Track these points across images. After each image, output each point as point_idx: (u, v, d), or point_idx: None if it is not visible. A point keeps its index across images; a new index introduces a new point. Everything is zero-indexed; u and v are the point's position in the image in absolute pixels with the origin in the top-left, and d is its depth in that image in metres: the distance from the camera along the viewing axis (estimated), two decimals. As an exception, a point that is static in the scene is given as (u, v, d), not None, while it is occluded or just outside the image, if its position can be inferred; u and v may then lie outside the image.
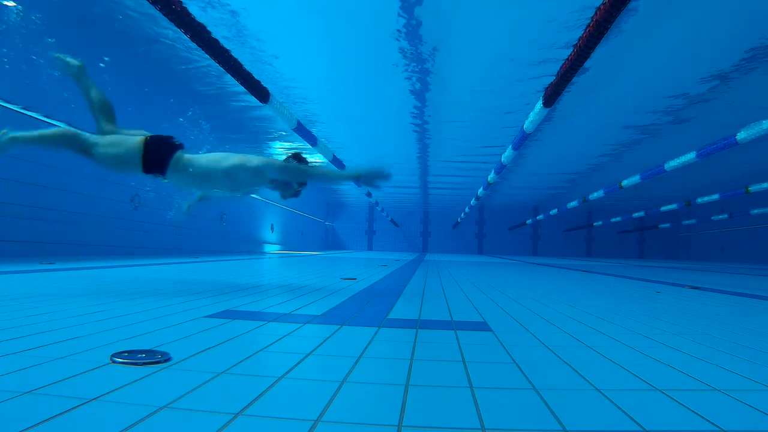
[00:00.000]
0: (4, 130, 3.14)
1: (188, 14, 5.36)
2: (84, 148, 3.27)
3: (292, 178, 3.45)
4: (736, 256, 22.68)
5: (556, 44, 7.12)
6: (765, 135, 7.52)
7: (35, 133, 3.22)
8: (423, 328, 2.28)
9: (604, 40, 5.35)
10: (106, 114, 3.41)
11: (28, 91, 6.71)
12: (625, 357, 1.78)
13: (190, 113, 9.98)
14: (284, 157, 3.63)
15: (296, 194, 3.71)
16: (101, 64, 6.09)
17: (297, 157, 3.58)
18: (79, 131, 3.32)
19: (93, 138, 3.29)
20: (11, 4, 5.82)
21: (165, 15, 5.21)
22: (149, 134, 3.38)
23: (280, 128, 11.68)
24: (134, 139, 3.30)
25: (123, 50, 7.69)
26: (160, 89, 9.39)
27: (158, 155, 3.32)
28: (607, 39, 6.08)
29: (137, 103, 8.98)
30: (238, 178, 3.39)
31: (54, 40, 3.32)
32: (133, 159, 3.29)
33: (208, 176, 3.38)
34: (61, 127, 3.33)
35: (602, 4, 4.70)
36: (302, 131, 9.98)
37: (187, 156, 3.39)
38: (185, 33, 5.62)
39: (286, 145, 13.46)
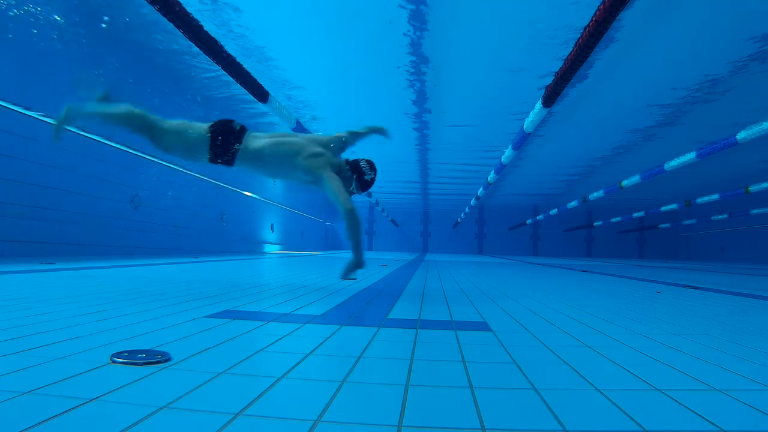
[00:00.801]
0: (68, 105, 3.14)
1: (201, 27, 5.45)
2: (149, 131, 3.27)
3: (336, 202, 3.47)
4: (736, 256, 22.68)
5: (557, 43, 7.12)
6: (765, 135, 7.52)
7: (102, 110, 3.22)
8: (423, 328, 2.28)
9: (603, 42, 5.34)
10: (144, 124, 3.35)
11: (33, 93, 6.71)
12: (625, 357, 1.78)
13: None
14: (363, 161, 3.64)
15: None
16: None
17: (370, 164, 3.62)
18: (144, 113, 3.28)
19: (159, 122, 3.28)
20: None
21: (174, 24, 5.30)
22: (211, 123, 3.36)
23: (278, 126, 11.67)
24: (199, 129, 3.30)
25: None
26: (163, 90, 9.39)
27: (225, 145, 3.32)
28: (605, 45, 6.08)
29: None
30: (299, 177, 3.50)
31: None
32: (200, 150, 3.31)
33: (272, 168, 3.47)
34: (127, 107, 3.28)
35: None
36: (301, 131, 9.99)
37: (255, 145, 3.38)
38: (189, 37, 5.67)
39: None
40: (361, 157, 3.68)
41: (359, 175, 3.57)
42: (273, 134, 3.51)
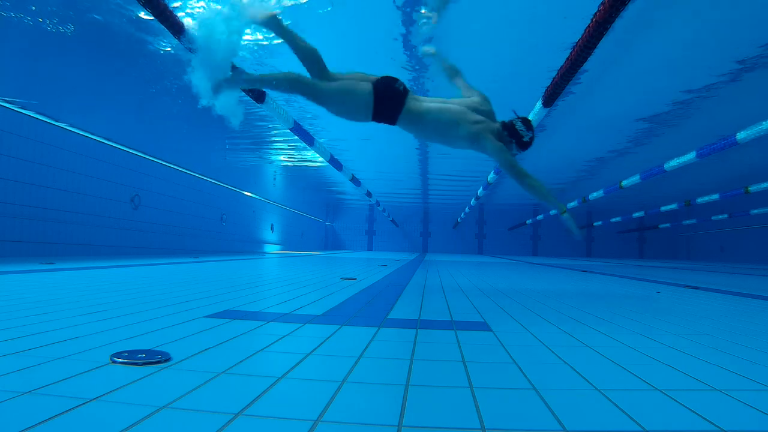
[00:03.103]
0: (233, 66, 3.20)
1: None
2: (311, 94, 3.30)
3: (508, 170, 3.47)
4: (736, 256, 22.67)
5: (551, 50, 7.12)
6: (765, 135, 7.51)
7: (259, 75, 3.37)
8: (423, 328, 2.28)
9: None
10: (313, 62, 3.37)
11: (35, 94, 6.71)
12: (625, 357, 1.78)
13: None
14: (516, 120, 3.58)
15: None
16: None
17: (526, 123, 3.55)
18: (302, 76, 3.32)
19: (320, 85, 3.28)
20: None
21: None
22: (376, 80, 3.35)
23: (279, 127, 11.65)
24: (363, 90, 3.29)
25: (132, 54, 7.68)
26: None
27: (389, 107, 3.33)
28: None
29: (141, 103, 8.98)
30: (461, 145, 3.53)
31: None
32: (362, 111, 3.33)
33: (434, 134, 3.50)
34: (285, 72, 3.34)
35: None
36: (299, 131, 9.97)
37: (418, 108, 3.39)
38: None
39: (284, 142, 13.38)
40: (508, 120, 3.60)
41: (518, 139, 3.53)
42: (435, 99, 3.52)
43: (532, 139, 3.56)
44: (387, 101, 3.30)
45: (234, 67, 3.30)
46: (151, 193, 10.01)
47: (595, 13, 4.92)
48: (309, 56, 3.34)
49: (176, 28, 5.34)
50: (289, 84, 3.30)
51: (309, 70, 3.37)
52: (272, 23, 3.28)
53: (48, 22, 6.16)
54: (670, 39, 6.93)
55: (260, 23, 3.27)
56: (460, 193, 21.44)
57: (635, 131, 11.56)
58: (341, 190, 23.11)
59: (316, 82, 3.30)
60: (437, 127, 3.42)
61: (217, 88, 3.15)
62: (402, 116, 3.36)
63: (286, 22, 3.40)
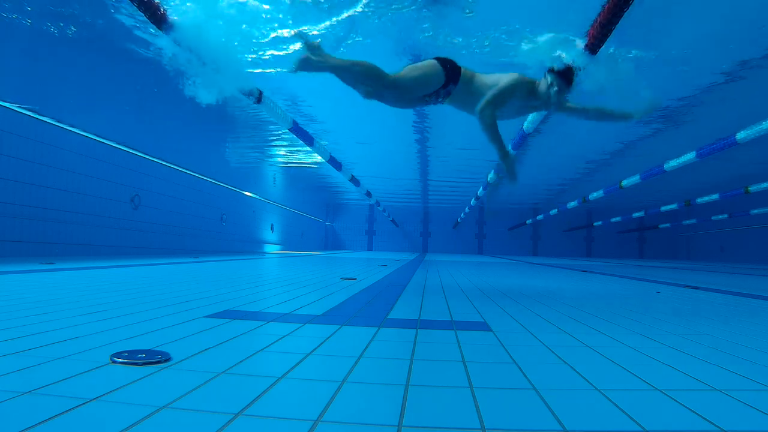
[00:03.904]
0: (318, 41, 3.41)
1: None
2: (382, 83, 3.50)
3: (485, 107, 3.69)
4: (736, 256, 22.67)
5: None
6: (765, 135, 7.51)
7: (341, 61, 3.49)
8: (423, 328, 2.28)
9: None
10: (374, 78, 3.52)
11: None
12: (625, 357, 1.78)
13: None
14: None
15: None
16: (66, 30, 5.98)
17: (563, 74, 3.66)
18: (380, 69, 3.52)
19: (391, 76, 3.51)
20: None
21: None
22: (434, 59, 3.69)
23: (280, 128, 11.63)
24: (431, 65, 3.64)
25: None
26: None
27: (453, 70, 3.67)
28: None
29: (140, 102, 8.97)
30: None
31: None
32: (436, 75, 3.62)
33: (478, 96, 3.73)
34: (363, 61, 3.54)
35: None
36: (298, 131, 9.96)
37: (470, 73, 3.76)
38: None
39: (283, 141, 13.36)
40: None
41: (554, 72, 3.65)
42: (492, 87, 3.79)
43: (568, 69, 3.67)
44: (451, 66, 3.67)
45: (313, 45, 3.43)
46: (151, 193, 10.01)
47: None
48: (369, 75, 3.50)
49: (162, 23, 5.37)
50: (366, 75, 3.48)
51: (367, 86, 3.55)
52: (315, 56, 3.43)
53: (48, 23, 6.16)
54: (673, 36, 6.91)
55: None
56: (459, 194, 21.44)
57: (637, 132, 11.54)
58: (341, 190, 23.09)
59: (387, 74, 3.51)
60: (480, 89, 3.70)
61: (303, 63, 3.38)
62: (462, 77, 3.68)
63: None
